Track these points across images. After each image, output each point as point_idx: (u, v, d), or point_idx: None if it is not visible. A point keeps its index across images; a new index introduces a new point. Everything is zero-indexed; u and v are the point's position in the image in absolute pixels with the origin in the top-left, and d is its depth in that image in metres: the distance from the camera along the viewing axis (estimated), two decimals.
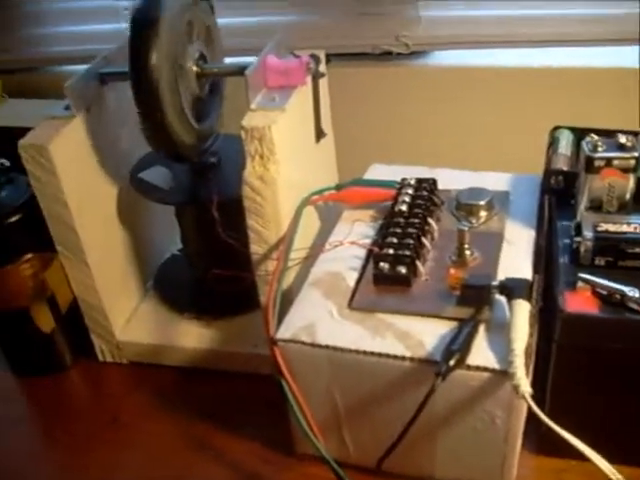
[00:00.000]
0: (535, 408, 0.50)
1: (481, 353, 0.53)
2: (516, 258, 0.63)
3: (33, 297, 0.76)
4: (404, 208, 0.67)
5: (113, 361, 0.82)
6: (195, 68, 0.69)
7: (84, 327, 0.80)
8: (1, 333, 0.81)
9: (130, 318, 0.83)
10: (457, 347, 0.53)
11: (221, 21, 0.77)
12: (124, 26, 1.03)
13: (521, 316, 0.54)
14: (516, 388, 0.50)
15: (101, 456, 0.71)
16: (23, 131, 0.69)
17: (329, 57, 0.78)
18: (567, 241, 0.61)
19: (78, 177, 0.71)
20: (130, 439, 0.73)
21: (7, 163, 0.76)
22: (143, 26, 0.63)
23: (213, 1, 0.73)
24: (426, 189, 0.69)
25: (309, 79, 0.70)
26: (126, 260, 0.83)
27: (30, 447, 0.75)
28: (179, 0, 0.66)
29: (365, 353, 0.56)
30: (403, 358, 0.55)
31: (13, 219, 0.73)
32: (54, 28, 1.11)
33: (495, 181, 0.73)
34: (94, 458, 0.71)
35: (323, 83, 0.75)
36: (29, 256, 0.75)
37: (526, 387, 0.50)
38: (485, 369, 0.53)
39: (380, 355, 0.55)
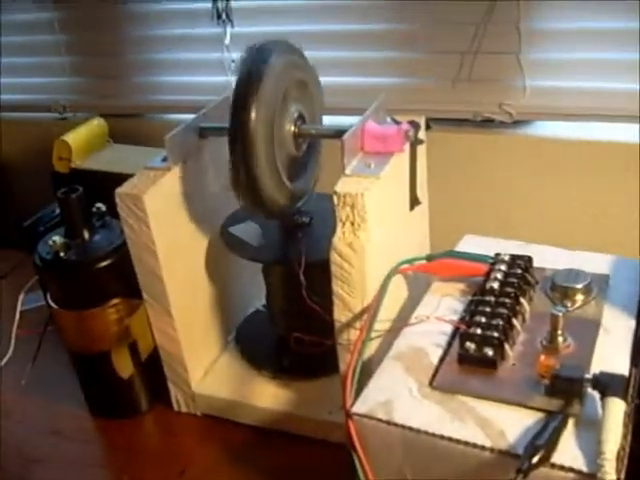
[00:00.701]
0: None
1: (568, 452, 0.50)
2: (613, 349, 0.59)
3: (115, 342, 0.77)
4: (496, 286, 0.64)
5: (187, 411, 0.82)
6: (293, 128, 0.69)
7: (162, 375, 0.81)
8: (82, 374, 0.82)
9: (208, 370, 0.83)
10: (542, 442, 0.50)
11: (324, 79, 0.77)
12: (229, 79, 1.06)
13: (615, 416, 0.50)
14: None
15: None
16: (123, 177, 0.71)
17: (429, 123, 0.76)
18: None
19: (169, 228, 0.72)
20: None
21: (103, 208, 0.78)
22: (245, 85, 0.64)
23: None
24: (520, 267, 0.66)
25: (407, 146, 0.69)
26: (210, 312, 0.83)
27: None
28: (284, 60, 0.67)
29: (442, 437, 0.53)
30: (482, 447, 0.51)
31: (104, 263, 0.74)
32: (162, 77, 1.14)
33: (594, 263, 0.70)
34: None
35: (421, 149, 0.74)
36: (116, 301, 0.76)
37: None
38: (571, 470, 0.49)
39: (458, 442, 0.52)
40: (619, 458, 0.48)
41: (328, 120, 0.80)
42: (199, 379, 0.81)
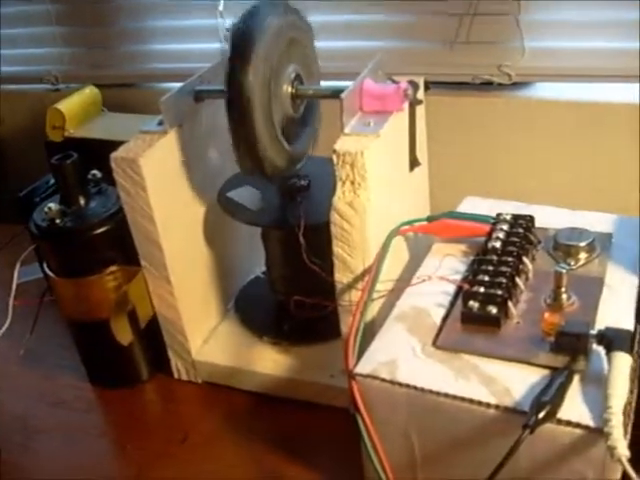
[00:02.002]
0: (632, 473, 0.46)
1: (574, 407, 0.49)
2: (617, 306, 0.59)
3: (114, 309, 0.76)
4: (498, 245, 0.63)
5: (188, 379, 0.82)
6: (290, 89, 0.68)
7: (162, 343, 0.80)
8: (81, 343, 0.81)
9: (208, 338, 0.83)
10: (548, 398, 0.49)
11: (320, 44, 0.76)
12: (224, 45, 1.04)
13: (621, 370, 0.50)
14: (611, 450, 0.46)
15: (169, 475, 0.71)
16: (118, 144, 0.70)
17: (428, 84, 0.75)
18: None
19: (166, 192, 0.71)
20: (199, 461, 0.72)
21: (99, 174, 0.77)
22: (242, 45, 0.63)
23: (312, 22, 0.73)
24: (522, 226, 0.66)
25: (406, 106, 0.68)
26: (209, 279, 0.82)
27: (102, 459, 0.75)
28: (279, 21, 0.66)
29: (447, 396, 0.52)
30: (488, 405, 0.51)
31: (100, 230, 0.73)
32: (155, 45, 1.13)
33: (596, 222, 0.69)
34: (162, 476, 0.71)
35: (420, 111, 0.73)
36: (113, 268, 0.75)
37: (623, 450, 0.45)
38: (578, 425, 0.48)
39: (462, 399, 0.52)
40: (625, 412, 0.48)
41: (325, 85, 0.79)
42: (199, 346, 0.81)
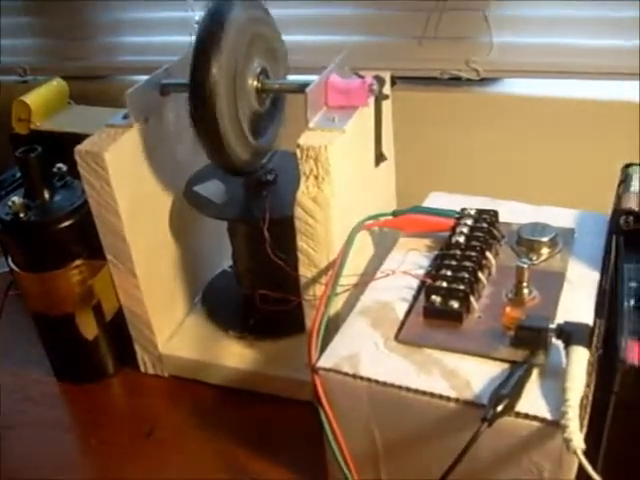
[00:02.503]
0: (587, 465, 0.46)
1: (532, 400, 0.50)
2: (577, 300, 0.60)
3: (79, 304, 0.76)
4: (461, 240, 0.64)
5: (154, 373, 0.82)
6: (255, 83, 0.68)
7: (128, 336, 0.80)
8: (46, 338, 0.81)
9: (175, 331, 0.83)
10: (507, 392, 0.50)
11: (289, 38, 0.76)
12: (193, 38, 1.03)
13: (578, 364, 0.50)
14: (567, 442, 0.46)
15: (134, 470, 0.70)
16: (83, 137, 0.69)
17: (394, 79, 0.75)
18: (634, 285, 0.57)
19: (132, 186, 0.71)
20: (165, 455, 0.72)
21: (64, 168, 0.77)
22: (206, 38, 0.63)
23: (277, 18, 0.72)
24: (486, 221, 0.66)
25: (371, 100, 0.68)
26: (175, 273, 0.82)
27: (66, 454, 0.74)
28: (244, 14, 0.66)
29: (408, 390, 0.53)
30: (448, 399, 0.52)
31: (65, 224, 0.73)
32: (124, 38, 1.12)
33: (559, 217, 0.70)
34: (127, 471, 0.70)
35: (387, 106, 0.73)
36: (78, 262, 0.74)
37: (579, 442, 0.46)
38: (535, 418, 0.49)
39: (424, 393, 0.52)
40: (582, 406, 0.49)
41: (293, 79, 0.79)
42: (165, 340, 0.81)
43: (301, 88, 0.64)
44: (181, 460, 0.71)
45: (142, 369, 0.82)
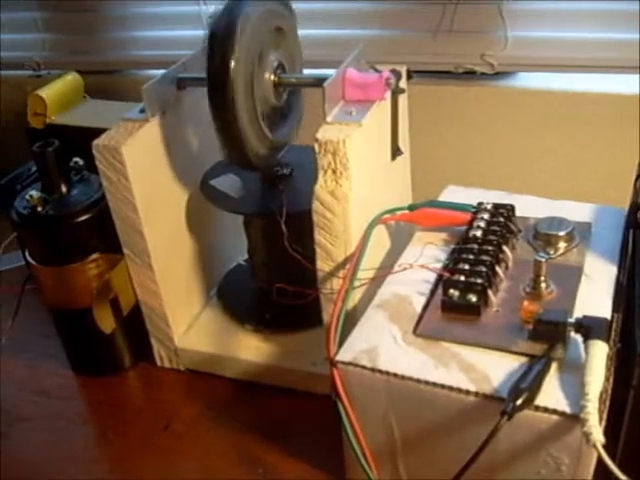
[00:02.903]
0: (606, 459, 0.46)
1: (552, 394, 0.50)
2: (595, 295, 0.60)
3: (96, 297, 0.76)
4: (479, 234, 0.64)
5: (171, 367, 0.82)
6: (273, 77, 0.68)
7: (145, 330, 0.80)
8: (63, 331, 0.81)
9: (191, 325, 0.83)
10: (526, 385, 0.50)
11: (304, 32, 0.76)
12: (206, 32, 1.04)
13: (597, 358, 0.50)
14: (587, 436, 0.46)
15: (150, 463, 0.71)
16: (100, 132, 0.70)
17: (411, 73, 0.75)
18: None
19: (149, 180, 0.71)
20: (181, 448, 0.72)
21: (81, 162, 0.77)
22: (224, 32, 0.63)
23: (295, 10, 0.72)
24: (503, 215, 0.66)
25: (388, 94, 0.68)
26: (191, 267, 0.82)
27: (83, 447, 0.75)
28: (261, 8, 0.66)
29: (426, 383, 0.53)
30: (467, 392, 0.52)
31: (82, 218, 0.73)
32: (138, 32, 1.12)
33: (576, 211, 0.70)
34: (143, 464, 0.71)
35: (403, 100, 0.73)
36: (96, 256, 0.75)
37: (598, 435, 0.46)
38: (555, 412, 0.49)
39: (442, 386, 0.52)
40: (601, 400, 0.49)
41: (309, 73, 0.79)
42: (182, 334, 0.81)
43: (318, 82, 0.64)
44: (197, 453, 0.71)
45: (158, 363, 0.82)
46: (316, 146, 0.61)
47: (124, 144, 0.67)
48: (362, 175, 0.63)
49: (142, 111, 0.70)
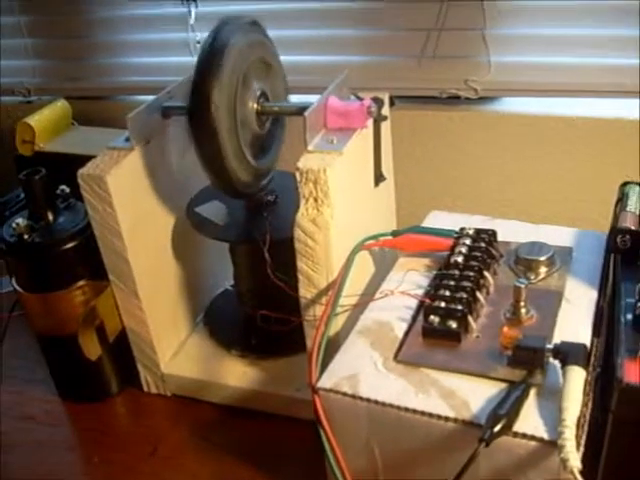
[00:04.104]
0: None
1: (530, 420, 0.50)
2: (575, 319, 0.60)
3: (82, 324, 0.76)
4: (460, 260, 0.64)
5: (157, 392, 0.82)
6: (256, 106, 0.69)
7: (131, 356, 0.80)
8: (50, 357, 0.81)
9: (177, 351, 0.83)
10: (504, 412, 0.50)
11: (289, 58, 0.77)
12: (194, 59, 1.05)
13: (575, 384, 0.51)
14: (564, 462, 0.47)
15: None
16: (87, 159, 0.70)
17: (393, 100, 0.76)
18: (630, 304, 0.58)
19: (134, 208, 0.71)
20: (167, 474, 0.72)
21: (67, 190, 0.77)
22: (207, 61, 0.64)
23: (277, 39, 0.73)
24: (485, 240, 0.67)
25: (370, 122, 0.69)
26: (178, 293, 0.83)
27: (70, 473, 0.75)
28: (245, 38, 0.67)
29: (407, 410, 0.53)
30: (446, 419, 0.52)
31: (68, 245, 0.73)
32: (126, 58, 1.13)
33: (558, 236, 0.71)
34: None
35: (385, 126, 0.74)
36: (82, 283, 0.75)
37: (575, 462, 0.46)
38: (532, 438, 0.50)
39: (422, 413, 0.53)
40: (579, 425, 0.49)
41: (294, 99, 0.80)
42: (168, 360, 0.81)
43: (300, 111, 0.65)
44: (183, 478, 0.71)
45: (145, 388, 0.82)
46: (297, 175, 0.62)
47: (109, 173, 0.67)
48: (344, 202, 0.64)
49: (127, 140, 0.71)
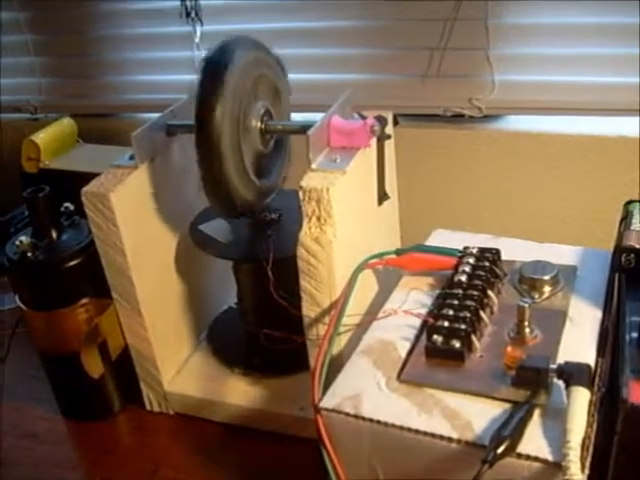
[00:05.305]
0: None
1: (534, 441, 0.50)
2: (579, 339, 0.60)
3: (84, 342, 0.76)
4: (464, 279, 0.64)
5: (160, 411, 0.82)
6: (259, 125, 0.69)
7: (134, 374, 0.80)
8: (52, 375, 0.81)
9: (180, 369, 0.83)
10: (508, 433, 0.50)
11: (294, 77, 0.77)
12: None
13: (579, 405, 0.50)
14: None
15: None
16: (92, 176, 0.71)
17: (397, 119, 0.76)
18: (635, 323, 0.57)
19: (138, 226, 0.72)
20: None
21: (71, 207, 0.78)
22: (211, 81, 0.64)
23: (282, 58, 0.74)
24: (488, 259, 0.67)
25: (374, 141, 0.69)
26: (181, 311, 0.83)
27: None
28: (248, 56, 0.67)
29: (409, 430, 0.53)
30: (449, 439, 0.52)
31: (72, 263, 0.74)
32: (131, 76, 1.14)
33: (562, 254, 0.70)
34: None
35: (389, 144, 0.74)
36: (85, 301, 0.75)
37: None
38: (536, 459, 0.49)
39: (425, 434, 0.52)
40: (584, 447, 0.49)
41: (298, 117, 0.80)
42: (171, 378, 0.81)
43: (303, 129, 0.65)
44: None
45: (148, 407, 0.82)
46: (300, 193, 0.62)
47: (112, 191, 0.67)
48: (347, 221, 0.64)
49: (131, 158, 0.71)
